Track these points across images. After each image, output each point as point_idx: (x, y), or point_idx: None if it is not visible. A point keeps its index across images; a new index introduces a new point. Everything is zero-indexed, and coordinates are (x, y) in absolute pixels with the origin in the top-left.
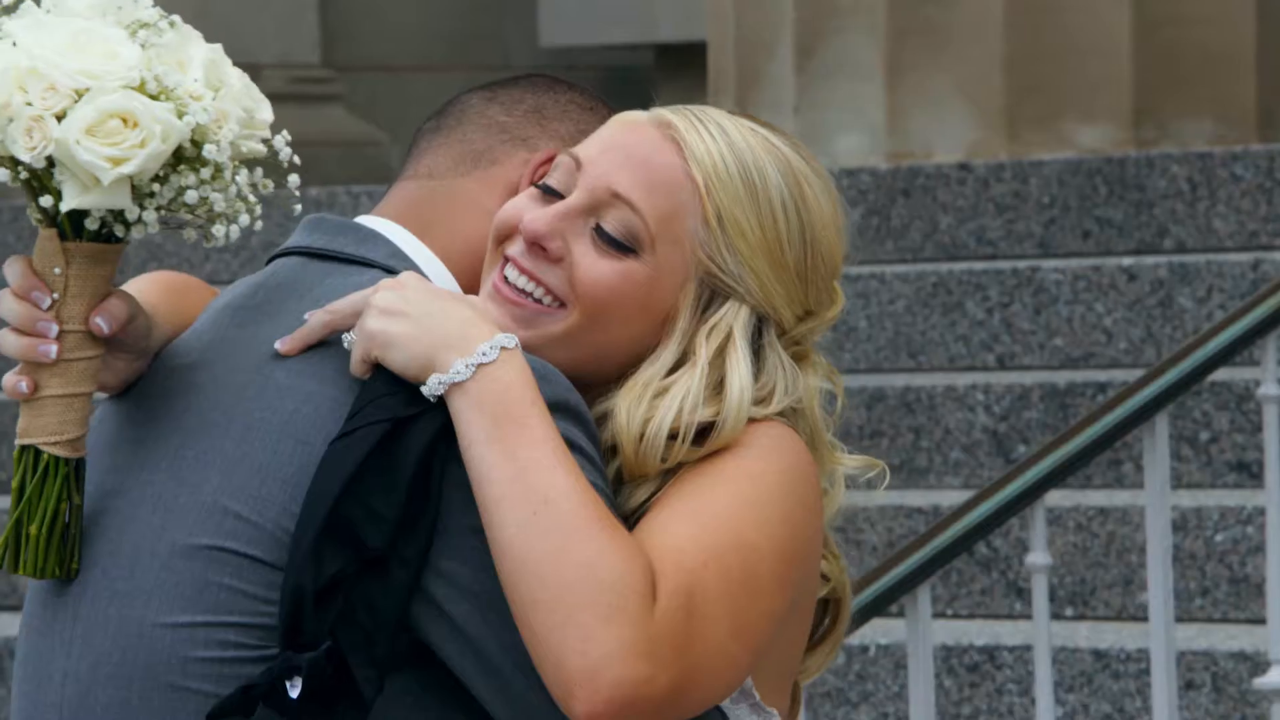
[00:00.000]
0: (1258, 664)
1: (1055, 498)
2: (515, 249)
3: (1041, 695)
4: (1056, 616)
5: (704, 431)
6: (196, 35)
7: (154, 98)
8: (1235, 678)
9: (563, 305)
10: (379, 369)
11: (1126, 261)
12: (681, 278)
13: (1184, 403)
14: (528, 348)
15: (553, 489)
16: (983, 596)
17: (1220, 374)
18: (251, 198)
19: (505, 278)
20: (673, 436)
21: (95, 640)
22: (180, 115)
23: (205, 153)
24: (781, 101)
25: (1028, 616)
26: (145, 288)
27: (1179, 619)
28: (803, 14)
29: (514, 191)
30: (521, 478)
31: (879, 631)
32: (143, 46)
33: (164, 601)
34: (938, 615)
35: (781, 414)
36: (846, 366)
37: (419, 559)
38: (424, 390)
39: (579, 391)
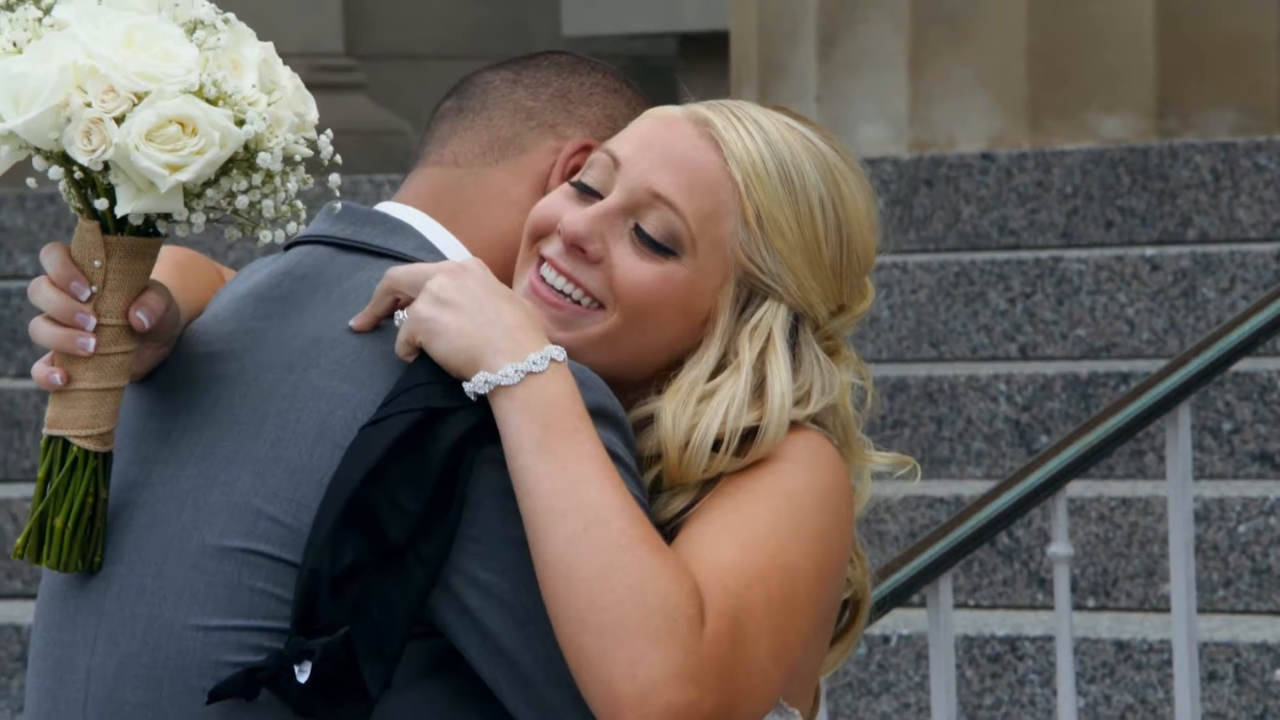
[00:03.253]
0: None
1: (1077, 488)
2: (552, 249)
3: (1063, 686)
4: (1078, 607)
5: (745, 435)
6: (250, 34)
7: (211, 102)
8: (1258, 669)
9: (601, 307)
10: (423, 355)
11: (1149, 251)
12: (720, 278)
13: (1206, 393)
14: (566, 349)
15: (603, 506)
16: (1004, 587)
17: (1243, 364)
18: (299, 203)
19: (543, 278)
20: (716, 444)
21: (122, 639)
22: (239, 122)
23: (260, 161)
24: (804, 91)
25: (1049, 607)
26: (157, 268)
27: (1201, 610)
28: (826, 3)
29: (543, 181)
30: (572, 492)
31: (900, 622)
32: (199, 47)
33: (195, 603)
34: (959, 606)
35: (817, 415)
36: (869, 356)
37: (437, 560)
38: (467, 387)
39: (616, 392)
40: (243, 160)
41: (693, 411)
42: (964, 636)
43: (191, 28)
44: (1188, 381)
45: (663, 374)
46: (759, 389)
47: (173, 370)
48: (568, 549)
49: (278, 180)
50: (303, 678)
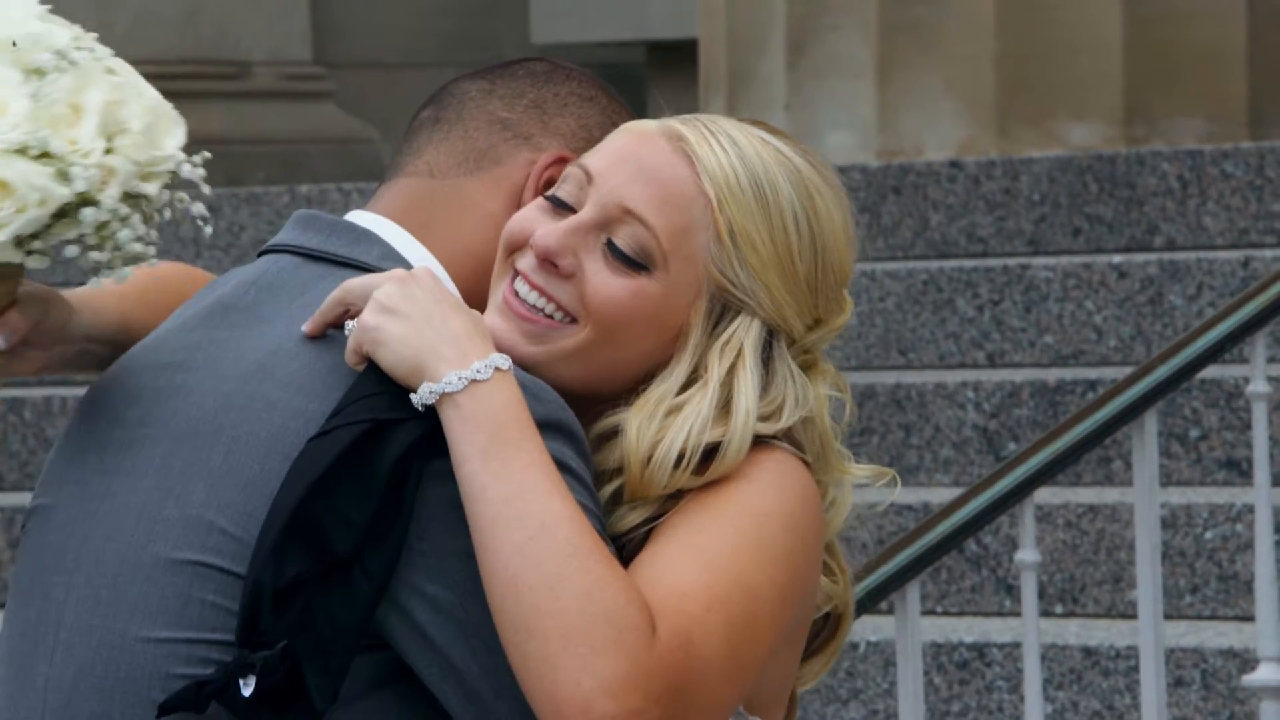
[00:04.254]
0: (1246, 661)
1: (1045, 495)
2: (525, 263)
3: (1031, 693)
4: (1046, 614)
5: (709, 451)
6: (98, 73)
7: (36, 158)
8: (1224, 675)
9: (574, 321)
10: (372, 365)
11: (1117, 259)
12: (693, 293)
13: (1173, 400)
14: (539, 363)
15: (549, 514)
16: (972, 594)
17: (1209, 371)
18: (138, 246)
19: (516, 292)
20: (679, 459)
21: (78, 649)
22: (63, 178)
23: (82, 216)
24: (773, 99)
25: (1017, 614)
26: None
27: (1168, 616)
28: (794, 11)
29: (518, 193)
30: (518, 500)
31: (868, 628)
32: (33, 99)
33: (147, 615)
34: (927, 612)
35: (790, 427)
36: (837, 364)
37: (384, 573)
38: (413, 398)
39: (589, 406)
40: (75, 209)
41: (658, 425)
42: (932, 643)
43: (29, 73)
44: (1154, 388)
45: (635, 388)
46: (726, 404)
47: (139, 379)
48: (514, 557)
49: (109, 229)
50: (247, 691)
